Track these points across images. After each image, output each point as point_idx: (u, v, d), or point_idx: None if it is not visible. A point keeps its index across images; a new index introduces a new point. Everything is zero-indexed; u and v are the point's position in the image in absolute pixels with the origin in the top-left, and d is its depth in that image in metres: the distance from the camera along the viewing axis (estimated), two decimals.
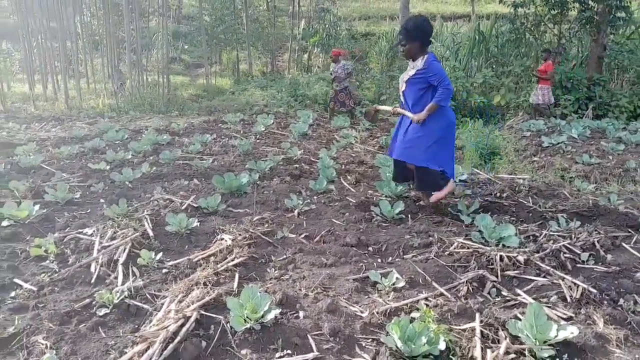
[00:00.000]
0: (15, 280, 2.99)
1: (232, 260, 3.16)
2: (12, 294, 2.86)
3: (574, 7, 10.97)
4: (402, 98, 4.47)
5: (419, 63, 4.22)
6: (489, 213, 4.16)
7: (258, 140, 8.02)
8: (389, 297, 2.84)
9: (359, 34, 22.21)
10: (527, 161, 7.27)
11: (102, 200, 4.54)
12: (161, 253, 3.31)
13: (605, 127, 8.83)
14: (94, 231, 3.63)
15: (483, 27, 14.49)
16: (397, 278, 3.00)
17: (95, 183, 5.02)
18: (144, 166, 5.70)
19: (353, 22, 25.12)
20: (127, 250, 3.24)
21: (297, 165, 6.20)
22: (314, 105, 12.17)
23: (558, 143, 7.70)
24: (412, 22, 4.27)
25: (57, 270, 3.13)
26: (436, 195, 4.35)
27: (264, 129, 8.87)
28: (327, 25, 17.64)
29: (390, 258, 3.51)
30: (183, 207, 4.24)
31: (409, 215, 4.26)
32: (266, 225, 3.93)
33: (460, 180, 5.54)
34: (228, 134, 8.53)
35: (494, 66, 13.58)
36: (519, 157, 7.72)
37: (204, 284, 2.78)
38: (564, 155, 7.09)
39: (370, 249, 3.65)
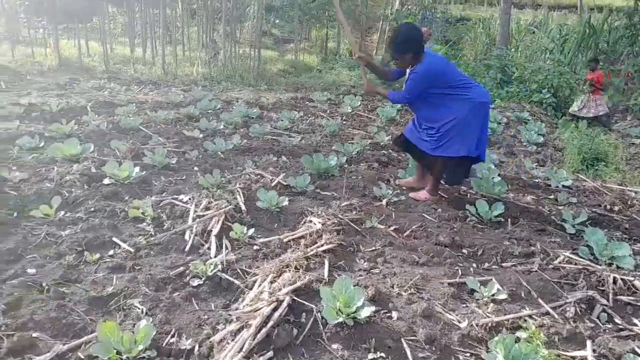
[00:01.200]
0: (114, 239, 3.09)
1: (322, 246, 3.07)
2: (111, 252, 2.97)
3: None
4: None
5: (409, 74, 4.09)
6: (598, 227, 3.79)
7: (344, 122, 7.90)
8: (488, 308, 2.64)
9: (453, 18, 21.25)
10: (639, 172, 6.61)
11: (195, 168, 4.63)
12: (253, 229, 3.29)
13: None
14: (189, 199, 3.69)
15: (594, 20, 13.33)
16: (498, 289, 2.78)
17: (189, 150, 5.14)
18: (234, 138, 5.77)
19: (448, 5, 24.16)
20: (220, 222, 3.26)
21: (385, 152, 6.02)
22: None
23: None
24: (399, 34, 4.04)
25: (153, 233, 3.21)
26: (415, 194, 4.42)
27: (350, 110, 8.73)
28: (422, 8, 16.98)
29: (487, 264, 3.28)
30: (273, 184, 4.22)
31: (509, 220, 3.97)
32: (354, 212, 3.81)
33: (563, 186, 5.13)
34: (315, 112, 8.48)
35: (602, 64, 12.49)
36: (629, 166, 7.05)
37: (295, 267, 2.72)
38: None
39: (464, 251, 3.43)
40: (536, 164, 6.47)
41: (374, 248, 3.28)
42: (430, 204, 4.22)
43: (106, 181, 3.95)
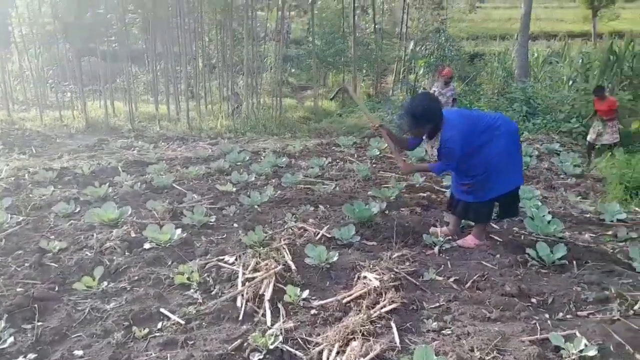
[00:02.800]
0: (162, 310, 2.91)
1: (384, 307, 2.84)
2: (159, 325, 2.78)
3: None
4: None
5: (436, 142, 3.90)
6: None
7: (375, 165, 7.74)
8: None
9: (467, 54, 21.32)
10: None
11: (235, 225, 4.48)
12: (307, 290, 3.08)
13: None
14: (235, 260, 3.52)
15: (615, 47, 13.20)
16: (585, 344, 2.50)
17: (226, 206, 5.01)
18: (268, 189, 5.65)
19: (460, 42, 24.38)
20: (271, 285, 3.06)
21: (424, 194, 5.81)
22: None
23: None
24: (417, 107, 3.83)
25: (201, 301, 3.03)
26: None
27: (378, 153, 8.58)
28: (439, 46, 17.11)
29: (561, 314, 3.01)
30: (317, 238, 4.03)
31: (574, 262, 3.69)
32: (407, 263, 3.58)
33: (618, 220, 4.83)
34: (343, 157, 8.36)
35: (625, 89, 12.25)
36: None
37: (362, 334, 2.49)
38: None
39: (533, 300, 3.16)
40: (580, 197, 6.21)
41: (438, 304, 3.04)
42: (486, 250, 3.98)
43: (147, 245, 3.81)
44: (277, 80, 14.53)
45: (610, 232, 4.53)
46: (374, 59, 20.02)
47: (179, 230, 3.93)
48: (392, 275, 3.25)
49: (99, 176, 6.35)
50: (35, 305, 2.86)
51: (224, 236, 4.17)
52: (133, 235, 3.98)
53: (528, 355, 2.43)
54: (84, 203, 4.98)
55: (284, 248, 3.65)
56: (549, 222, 4.35)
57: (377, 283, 3.07)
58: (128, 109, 12.20)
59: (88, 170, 6.43)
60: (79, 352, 2.48)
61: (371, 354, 2.27)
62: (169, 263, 3.59)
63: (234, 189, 5.84)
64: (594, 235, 4.39)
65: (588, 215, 5.12)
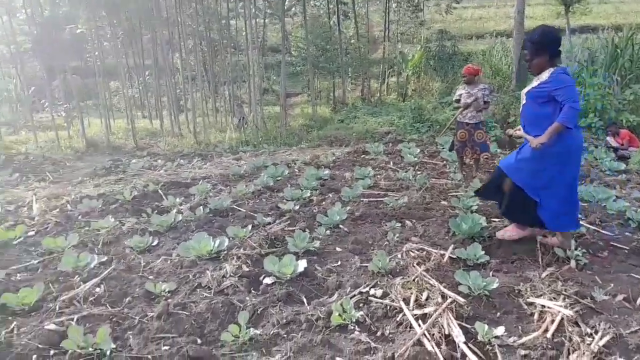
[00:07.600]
0: None
1: (599, 340, 2.52)
2: None
3: None
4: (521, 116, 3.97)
5: (545, 75, 3.69)
6: None
7: (419, 172, 7.42)
8: None
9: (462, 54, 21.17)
10: None
11: (338, 249, 4.08)
12: (501, 327, 2.71)
13: None
14: (382, 293, 3.14)
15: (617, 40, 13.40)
16: None
17: (306, 227, 4.60)
18: (336, 206, 5.26)
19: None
20: (455, 323, 2.70)
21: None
22: (445, 131, 11.46)
23: None
24: (538, 33, 3.75)
25: (376, 345, 2.63)
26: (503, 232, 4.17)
27: (415, 159, 8.31)
28: (440, 46, 17.18)
29: None
30: (444, 260, 3.68)
31: None
32: (560, 283, 3.25)
33: None
34: (382, 165, 8.04)
35: (628, 83, 12.39)
36: None
37: None
38: None
39: None
40: None
41: (631, 329, 2.73)
42: (624, 261, 3.72)
43: (268, 280, 3.38)
44: (283, 90, 14.06)
45: None
46: (362, 63, 19.84)
47: (302, 262, 3.49)
48: (565, 300, 2.94)
49: (142, 201, 5.83)
50: None
51: (338, 263, 3.76)
52: (246, 269, 3.52)
53: None
54: (155, 234, 4.48)
55: (424, 275, 3.28)
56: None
57: (568, 312, 2.74)
58: (130, 126, 11.55)
59: (129, 196, 5.89)
60: None
61: None
62: (303, 299, 3.17)
63: (297, 207, 5.43)
64: None
65: None
